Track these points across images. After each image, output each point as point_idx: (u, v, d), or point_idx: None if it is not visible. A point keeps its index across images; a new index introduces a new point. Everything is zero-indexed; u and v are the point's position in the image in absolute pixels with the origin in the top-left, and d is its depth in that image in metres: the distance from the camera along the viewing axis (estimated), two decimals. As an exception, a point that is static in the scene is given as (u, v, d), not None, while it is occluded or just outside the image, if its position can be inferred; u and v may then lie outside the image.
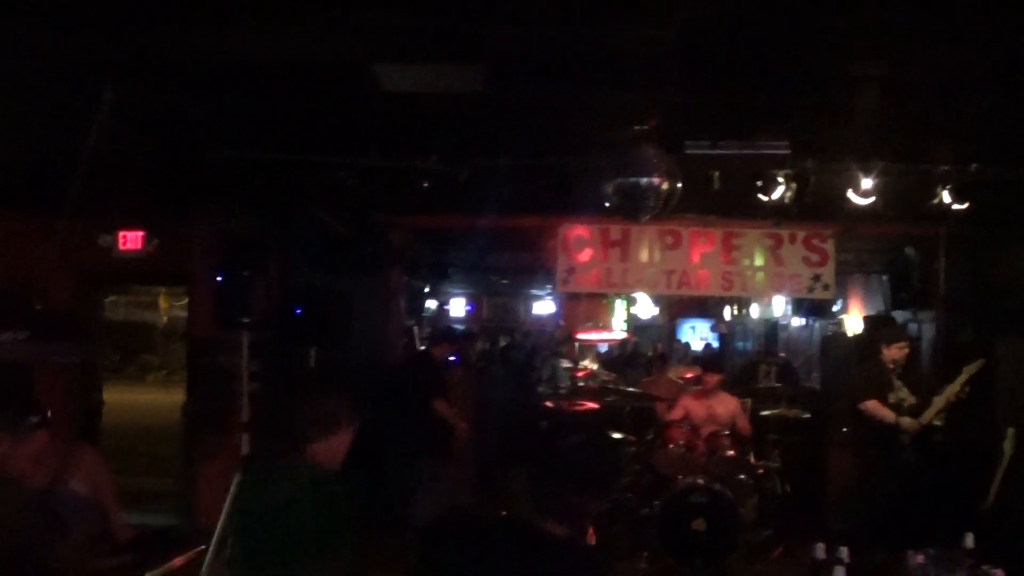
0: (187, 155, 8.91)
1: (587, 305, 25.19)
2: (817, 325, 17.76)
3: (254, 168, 9.08)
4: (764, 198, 9.41)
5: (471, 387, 13.99)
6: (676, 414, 10.93)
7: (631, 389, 12.74)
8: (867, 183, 9.26)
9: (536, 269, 18.32)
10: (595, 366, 18.62)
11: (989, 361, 9.65)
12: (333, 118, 8.35)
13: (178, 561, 8.03)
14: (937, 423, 9.55)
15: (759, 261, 11.45)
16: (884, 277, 13.84)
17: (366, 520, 4.88)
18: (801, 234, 11.33)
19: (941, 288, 11.52)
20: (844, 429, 11.24)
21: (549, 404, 13.28)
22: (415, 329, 16.24)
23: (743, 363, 17.54)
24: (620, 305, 26.19)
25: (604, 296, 23.19)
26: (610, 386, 13.13)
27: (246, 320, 9.19)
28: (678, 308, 27.49)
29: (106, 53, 6.58)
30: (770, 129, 8.49)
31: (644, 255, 11.42)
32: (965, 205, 9.35)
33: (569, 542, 3.52)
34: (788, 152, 8.61)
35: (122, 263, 10.45)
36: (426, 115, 8.13)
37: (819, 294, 11.72)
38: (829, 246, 11.35)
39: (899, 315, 13.11)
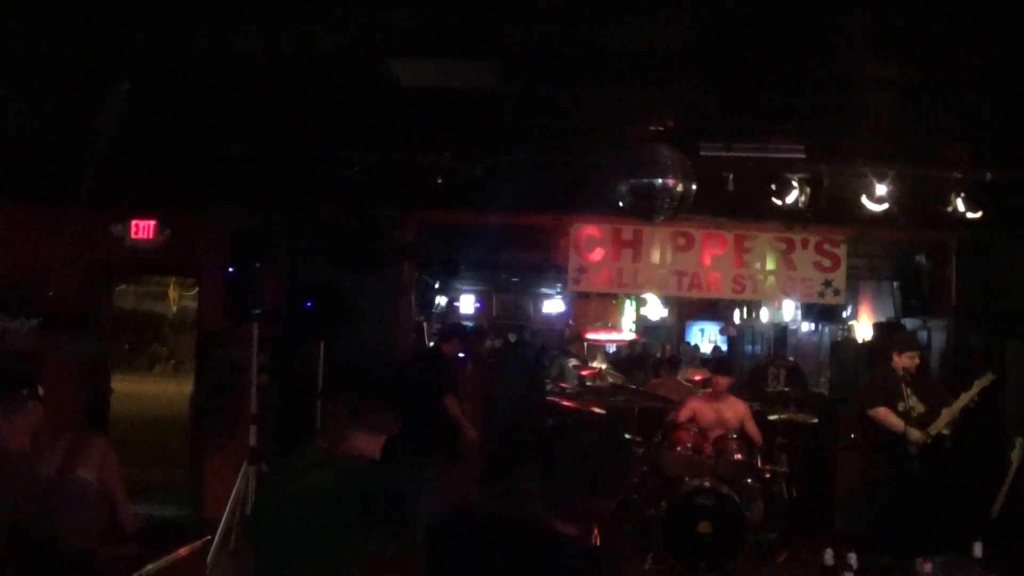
0: (200, 149, 8.92)
1: (597, 305, 25.16)
2: (826, 330, 17.71)
3: (266, 162, 9.08)
4: (777, 201, 9.39)
5: (481, 384, 13.98)
6: (684, 415, 10.90)
7: (639, 389, 12.72)
8: (881, 189, 9.23)
9: (547, 267, 18.29)
10: (604, 366, 18.56)
11: (999, 369, 9.62)
12: (346, 113, 8.35)
13: (183, 552, 8.06)
14: (945, 432, 9.52)
15: (771, 265, 11.42)
16: (895, 283, 13.79)
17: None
18: (813, 239, 11.29)
19: (952, 296, 11.49)
20: (852, 435, 11.22)
21: (557, 402, 13.24)
22: (424, 325, 16.25)
23: (752, 367, 17.49)
24: (630, 306, 26.17)
25: (614, 296, 23.15)
26: (618, 386, 13.11)
27: (256, 312, 9.22)
28: (687, 310, 27.45)
29: (119, 47, 6.59)
30: (785, 131, 8.48)
31: (656, 256, 11.40)
32: (978, 213, 9.32)
33: (578, 542, 3.51)
34: (803, 155, 8.59)
35: (133, 253, 10.48)
36: (440, 111, 8.14)
37: (830, 299, 11.68)
38: (841, 251, 11.31)
39: (909, 322, 13.07)
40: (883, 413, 9.62)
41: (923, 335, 12.48)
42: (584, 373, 16.61)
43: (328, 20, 6.12)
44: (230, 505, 8.87)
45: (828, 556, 5.88)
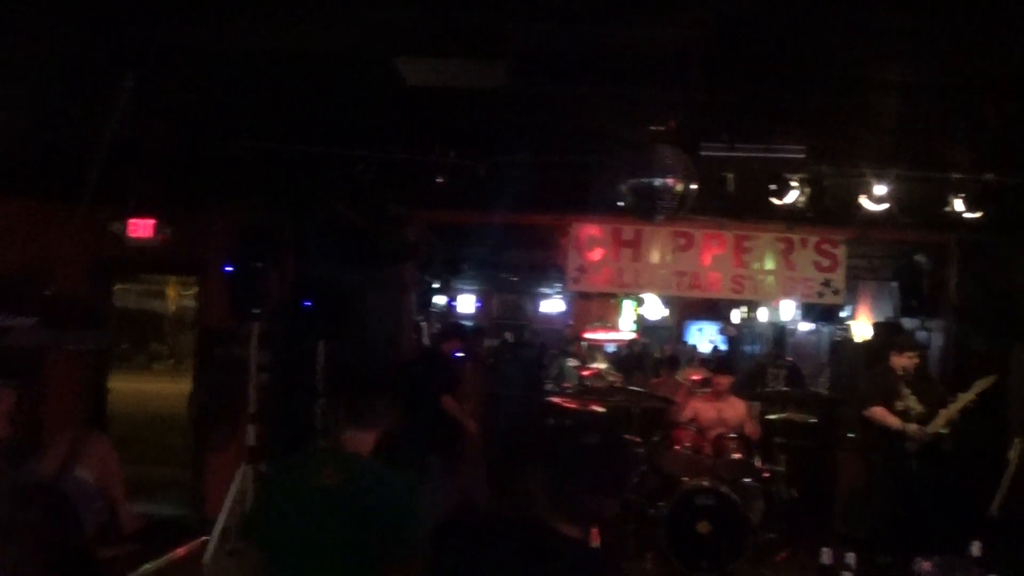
0: (204, 145, 8.92)
1: (596, 304, 25.14)
2: (826, 330, 17.72)
3: (270, 159, 9.08)
4: (777, 202, 9.40)
5: (481, 383, 13.99)
6: (685, 415, 10.92)
7: (639, 389, 12.73)
8: (881, 189, 9.25)
9: (547, 267, 18.31)
10: (604, 366, 18.57)
11: (1000, 370, 9.64)
12: (351, 111, 8.36)
13: (181, 551, 8.07)
14: (944, 431, 9.53)
15: (770, 265, 11.44)
16: (894, 284, 13.80)
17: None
18: (813, 239, 11.32)
19: (951, 296, 11.50)
20: (851, 434, 11.24)
21: (558, 402, 13.26)
22: (424, 325, 16.25)
23: (751, 366, 17.50)
24: (629, 305, 26.14)
25: (613, 296, 23.12)
26: (617, 386, 13.12)
27: (257, 311, 9.21)
28: (687, 310, 27.44)
29: (125, 43, 6.58)
30: (786, 132, 8.48)
31: (656, 256, 11.42)
32: (978, 214, 9.34)
33: (581, 543, 3.51)
34: (803, 156, 8.60)
35: (134, 251, 10.47)
36: (444, 110, 8.14)
37: (829, 299, 11.71)
38: (841, 251, 11.33)
39: (908, 322, 13.09)
40: (880, 413, 9.64)
41: (922, 335, 12.50)
42: (584, 373, 16.64)
43: (333, 18, 6.12)
44: (228, 505, 8.87)
45: (827, 555, 5.88)
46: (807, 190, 9.32)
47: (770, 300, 17.36)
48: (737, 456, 10.31)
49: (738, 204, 9.97)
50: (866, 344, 13.95)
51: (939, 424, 9.43)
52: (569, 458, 3.48)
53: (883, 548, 9.07)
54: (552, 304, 26.18)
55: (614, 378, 16.04)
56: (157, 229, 10.24)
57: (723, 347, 24.96)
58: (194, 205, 10.68)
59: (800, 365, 16.17)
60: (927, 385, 10.00)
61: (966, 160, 9.10)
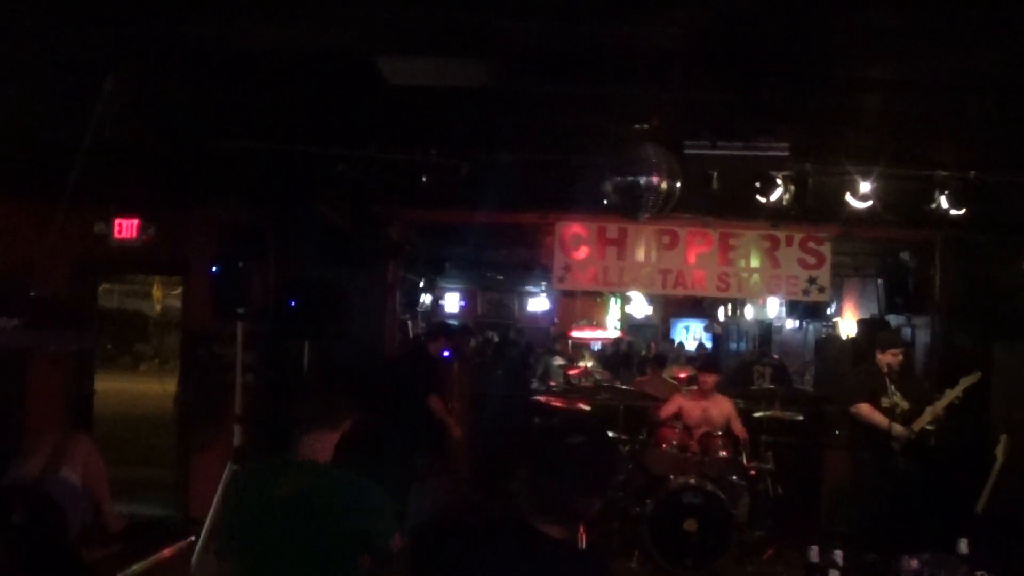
0: (187, 145, 8.89)
1: (582, 303, 25.18)
2: (811, 327, 17.76)
3: (254, 159, 9.06)
4: (762, 199, 9.41)
5: (467, 383, 13.97)
6: (669, 410, 10.91)
7: (625, 388, 12.71)
8: (865, 186, 9.28)
9: (532, 265, 18.30)
10: (591, 364, 18.58)
11: (984, 366, 9.66)
12: (334, 110, 8.34)
13: (167, 552, 8.04)
14: (930, 427, 9.55)
15: (755, 262, 11.42)
16: (879, 281, 13.83)
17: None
18: (798, 236, 11.31)
19: (936, 293, 11.51)
20: (837, 432, 11.25)
21: (544, 400, 13.24)
22: (409, 324, 16.21)
23: (737, 364, 17.54)
24: (614, 304, 26.18)
25: (599, 294, 23.14)
26: (604, 384, 13.11)
27: (242, 311, 9.18)
28: (672, 308, 27.52)
29: (107, 42, 6.56)
30: (770, 130, 8.48)
31: (641, 254, 11.40)
32: (962, 211, 9.36)
33: (566, 544, 3.50)
34: (787, 154, 8.60)
35: (118, 251, 10.44)
36: (428, 109, 8.12)
37: (815, 297, 11.70)
38: (826, 249, 11.33)
39: (893, 319, 13.11)
40: (867, 410, 9.65)
41: (907, 332, 12.53)
42: (570, 372, 16.63)
43: (317, 16, 6.10)
44: (214, 505, 8.84)
45: (814, 553, 5.87)
46: (792, 188, 9.33)
47: (755, 298, 17.41)
48: (723, 454, 10.30)
49: (723, 202, 9.97)
50: (851, 341, 13.97)
51: (925, 421, 9.45)
52: (553, 457, 3.47)
53: (870, 545, 9.06)
54: (538, 303, 26.20)
55: (600, 376, 16.05)
56: (141, 229, 10.22)
57: (709, 345, 25.01)
58: (178, 205, 10.65)
59: (786, 363, 16.21)
60: (912, 382, 10.01)
61: (950, 157, 9.12)
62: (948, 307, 11.36)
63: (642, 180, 8.07)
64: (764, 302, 18.46)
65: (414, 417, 10.38)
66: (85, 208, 9.49)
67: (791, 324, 19.20)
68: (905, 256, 12.37)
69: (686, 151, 8.45)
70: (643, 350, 23.27)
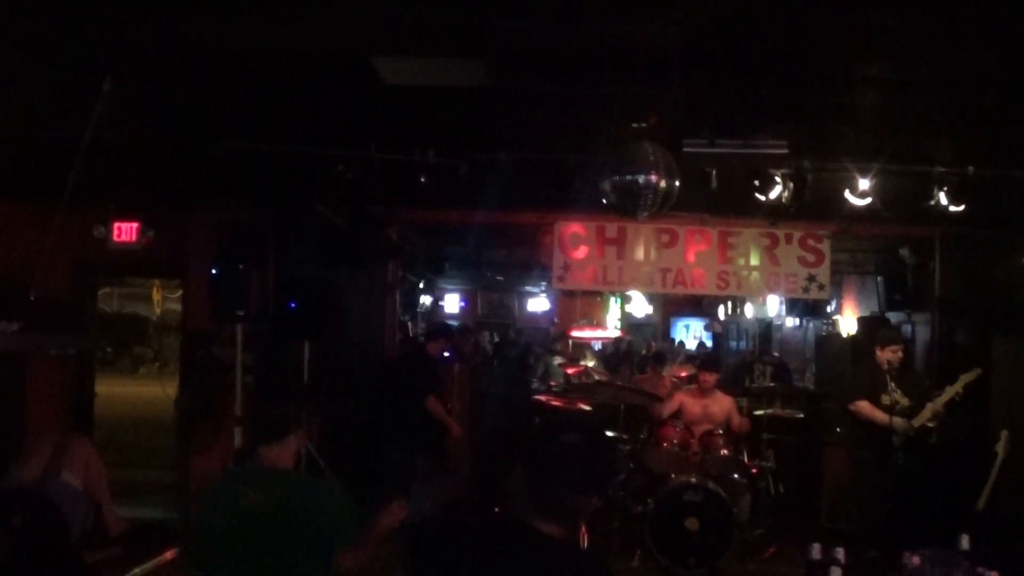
0: (185, 146, 8.88)
1: (581, 302, 25.14)
2: (811, 325, 17.75)
3: (253, 160, 9.05)
4: (761, 197, 9.40)
5: (467, 383, 13.97)
6: (670, 408, 10.93)
7: (625, 386, 12.70)
8: (864, 184, 9.27)
9: (532, 265, 18.30)
10: (591, 363, 18.56)
11: (984, 362, 9.65)
12: (333, 111, 8.34)
13: (168, 555, 8.03)
14: (930, 424, 9.54)
15: (755, 260, 11.42)
16: (879, 278, 13.82)
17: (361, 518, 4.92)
18: (797, 234, 11.31)
19: (936, 289, 11.51)
20: (838, 429, 11.24)
21: (544, 400, 13.23)
22: (409, 324, 16.21)
23: (737, 362, 17.54)
24: (614, 303, 26.17)
25: (598, 294, 23.11)
26: (604, 383, 13.10)
27: (241, 313, 9.18)
28: (672, 306, 27.50)
29: (105, 43, 6.56)
30: (768, 128, 8.48)
31: (640, 253, 11.40)
32: (961, 207, 9.36)
33: (564, 543, 3.49)
34: (786, 151, 8.60)
35: (117, 254, 10.43)
36: (426, 109, 8.12)
37: (814, 294, 11.71)
38: (825, 246, 11.33)
39: (893, 316, 13.11)
40: (866, 407, 9.64)
41: (907, 329, 12.53)
42: (570, 371, 16.62)
43: (314, 16, 6.11)
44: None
45: (815, 551, 5.86)
46: (791, 185, 9.33)
47: (755, 296, 17.39)
48: (724, 452, 10.31)
49: (722, 200, 9.96)
50: (851, 339, 13.97)
51: (925, 417, 9.44)
52: (550, 457, 3.46)
53: (871, 542, 9.06)
54: (537, 303, 26.18)
55: (601, 375, 16.04)
56: (140, 232, 10.20)
57: (709, 343, 25.00)
58: (177, 206, 10.64)
59: (786, 360, 16.21)
60: (912, 378, 10.00)
61: (948, 154, 9.12)
62: (947, 303, 11.37)
63: (641, 179, 8.07)
64: (764, 300, 18.45)
65: (414, 417, 10.39)
66: (84, 210, 9.48)
67: (791, 322, 19.19)
68: (904, 253, 12.37)
69: (685, 150, 8.46)
70: (643, 349, 23.26)
